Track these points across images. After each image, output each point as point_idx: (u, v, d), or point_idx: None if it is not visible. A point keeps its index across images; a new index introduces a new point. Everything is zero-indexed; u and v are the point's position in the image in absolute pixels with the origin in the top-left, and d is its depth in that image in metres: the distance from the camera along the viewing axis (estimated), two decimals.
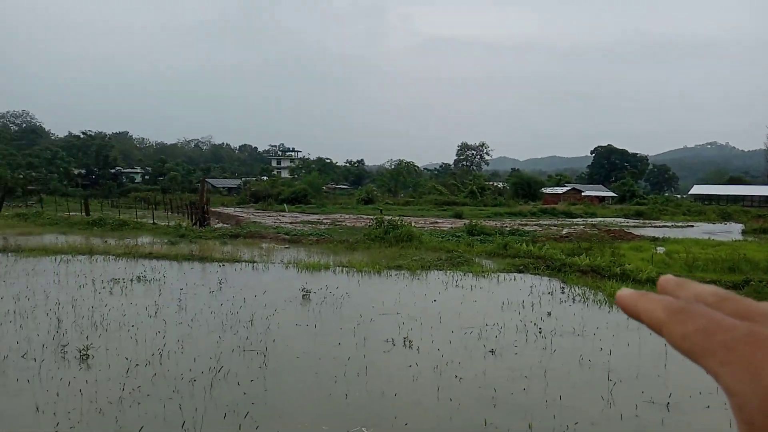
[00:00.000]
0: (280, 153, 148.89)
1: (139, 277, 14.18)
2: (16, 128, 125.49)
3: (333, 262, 17.56)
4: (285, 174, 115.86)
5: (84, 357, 7.86)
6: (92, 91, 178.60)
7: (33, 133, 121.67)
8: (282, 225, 30.79)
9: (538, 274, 16.53)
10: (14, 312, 10.24)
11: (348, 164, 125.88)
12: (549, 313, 11.37)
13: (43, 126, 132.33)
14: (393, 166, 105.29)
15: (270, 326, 9.86)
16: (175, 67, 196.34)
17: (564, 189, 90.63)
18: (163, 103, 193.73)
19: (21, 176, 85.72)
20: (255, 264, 17.26)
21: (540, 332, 9.93)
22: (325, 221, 35.24)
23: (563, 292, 13.82)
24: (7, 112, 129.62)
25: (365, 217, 38.82)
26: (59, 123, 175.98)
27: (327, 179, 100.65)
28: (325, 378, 7.44)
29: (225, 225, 32.61)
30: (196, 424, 5.88)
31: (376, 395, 6.92)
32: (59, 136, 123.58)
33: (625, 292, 0.44)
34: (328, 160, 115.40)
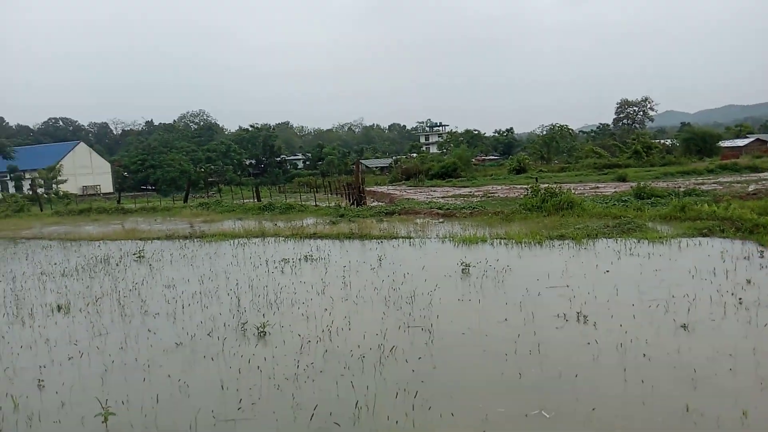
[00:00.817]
0: (427, 129, 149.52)
1: (306, 257, 14.86)
2: (196, 126, 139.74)
3: (489, 234, 17.00)
4: (434, 149, 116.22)
5: (261, 334, 8.29)
6: (257, 85, 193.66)
7: (210, 129, 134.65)
8: (434, 200, 30.72)
9: (727, 237, 14.55)
10: (200, 293, 11.18)
11: (497, 134, 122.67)
12: (749, 281, 9.85)
13: (218, 122, 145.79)
14: (545, 132, 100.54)
15: (432, 302, 9.69)
16: (327, 56, 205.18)
17: (746, 141, 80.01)
18: (318, 91, 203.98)
19: (202, 170, 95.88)
20: (411, 240, 17.30)
21: (740, 303, 8.61)
22: (476, 194, 34.55)
23: (762, 257, 11.96)
24: (187, 112, 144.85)
25: (518, 186, 37.43)
26: (231, 118, 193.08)
27: (476, 151, 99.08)
28: (495, 356, 7.06)
29: (380, 203, 33.38)
30: (369, 403, 5.84)
31: (553, 376, 6.39)
32: (231, 131, 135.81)
33: None
34: (476, 132, 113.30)
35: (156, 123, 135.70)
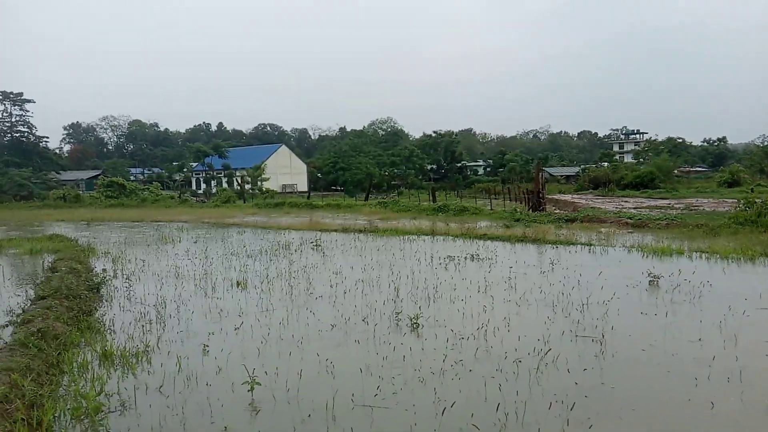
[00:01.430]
0: (622, 137, 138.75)
1: (472, 256, 14.30)
2: (383, 132, 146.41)
3: (688, 247, 14.80)
4: (628, 158, 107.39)
5: (414, 326, 7.94)
6: (444, 94, 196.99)
7: (395, 135, 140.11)
8: (625, 210, 27.99)
9: None
10: (362, 281, 11.22)
11: (706, 143, 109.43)
12: None
13: (404, 129, 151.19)
14: (766, 143, 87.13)
15: (608, 312, 8.51)
16: (514, 60, 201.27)
17: None
18: (502, 98, 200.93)
19: (386, 173, 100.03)
20: (592, 247, 15.78)
21: None
22: (676, 206, 30.77)
23: None
24: (376, 119, 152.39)
25: (728, 200, 32.58)
26: (416, 125, 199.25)
27: (679, 161, 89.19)
28: (682, 379, 5.85)
29: (561, 211, 31.43)
30: (518, 410, 5.12)
31: (757, 410, 5.06)
32: (415, 137, 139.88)
33: None
34: (680, 140, 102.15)
35: (348, 129, 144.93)
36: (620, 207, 30.34)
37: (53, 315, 7.65)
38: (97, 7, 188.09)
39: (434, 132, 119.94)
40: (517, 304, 9.21)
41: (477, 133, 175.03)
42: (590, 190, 55.85)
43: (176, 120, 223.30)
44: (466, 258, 14.09)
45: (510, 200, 47.03)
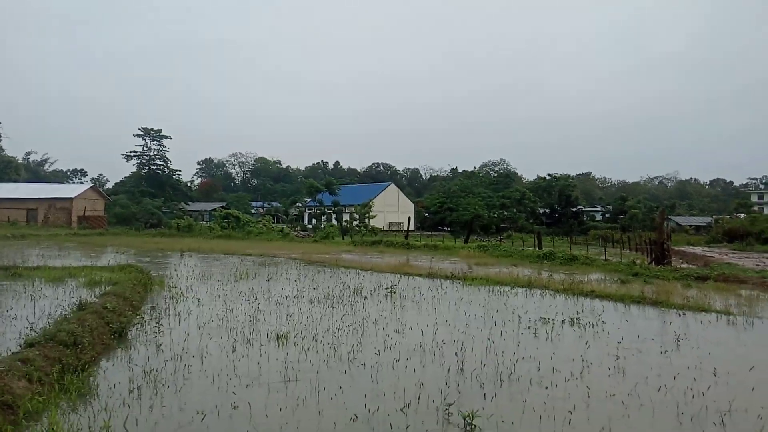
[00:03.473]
0: (761, 186, 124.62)
1: (572, 319, 11.62)
2: (495, 174, 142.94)
3: None
4: None
5: (469, 428, 5.68)
6: (559, 137, 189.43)
7: (507, 177, 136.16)
8: None
9: None
10: (422, 346, 9.05)
11: None
12: None
13: (517, 171, 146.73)
14: None
15: (765, 429, 5.73)
16: (638, 105, 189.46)
17: None
18: (625, 141, 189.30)
19: (495, 215, 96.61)
20: (730, 317, 12.44)
21: None
22: None
23: None
24: (489, 161, 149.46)
25: None
26: (530, 168, 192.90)
27: None
28: None
29: (690, 266, 27.09)
30: None
31: None
32: (529, 179, 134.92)
33: None
34: None
35: (460, 170, 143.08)
36: (761, 265, 25.53)
37: (24, 371, 6.30)
38: (231, 65, 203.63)
39: (549, 174, 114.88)
40: (623, 403, 6.60)
41: (596, 177, 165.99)
42: (724, 244, 49.25)
43: (297, 158, 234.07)
44: (563, 322, 11.45)
45: (630, 249, 42.37)
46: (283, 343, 9.21)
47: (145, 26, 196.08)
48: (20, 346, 7.50)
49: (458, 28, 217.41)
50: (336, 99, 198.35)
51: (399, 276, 19.45)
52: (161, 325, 9.96)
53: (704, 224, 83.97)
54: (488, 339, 9.67)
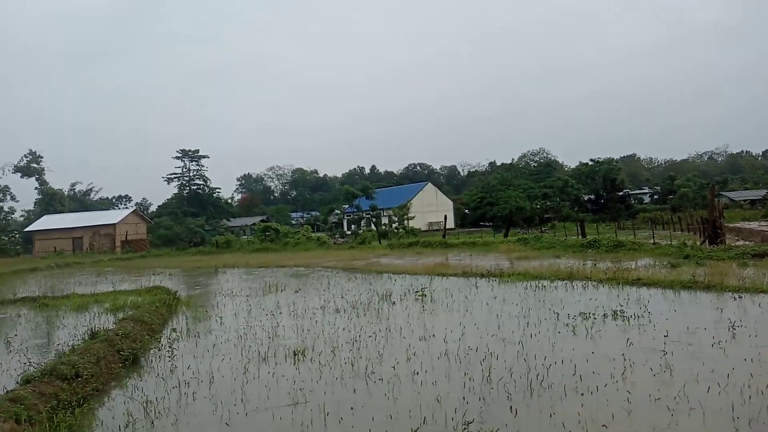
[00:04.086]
0: None
1: (615, 312, 10.69)
2: (535, 164, 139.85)
3: None
4: None
5: None
6: (601, 121, 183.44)
7: (548, 166, 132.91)
8: None
9: None
10: (447, 355, 8.34)
11: None
12: None
13: (558, 159, 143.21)
14: None
15: None
16: (681, 78, 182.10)
17: None
18: (669, 119, 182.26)
19: (538, 206, 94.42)
20: None
21: None
22: None
23: None
24: (528, 151, 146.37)
25: None
26: (572, 154, 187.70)
27: None
28: None
29: (746, 242, 25.35)
30: None
31: None
32: (570, 167, 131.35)
33: None
34: None
35: (498, 163, 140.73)
36: None
37: (14, 411, 5.94)
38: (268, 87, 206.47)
39: (591, 160, 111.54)
40: (669, 409, 5.76)
41: (642, 158, 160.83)
42: None
43: (334, 166, 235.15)
44: (605, 316, 10.53)
45: (682, 230, 40.38)
46: (300, 359, 8.68)
47: (171, 54, 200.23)
48: (17, 383, 7.19)
49: (492, 9, 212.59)
50: (365, 102, 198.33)
51: (432, 277, 18.73)
52: (175, 349, 9.56)
53: (759, 197, 79.71)
54: (521, 341, 8.89)
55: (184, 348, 9.95)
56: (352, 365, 8.13)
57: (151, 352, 9.81)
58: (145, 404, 6.79)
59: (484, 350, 8.45)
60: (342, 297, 15.22)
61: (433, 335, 9.78)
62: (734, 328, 8.88)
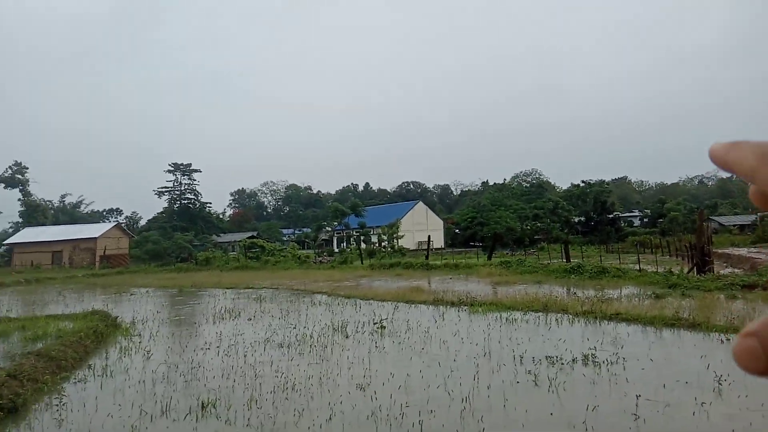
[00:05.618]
0: None
1: (585, 357, 9.37)
2: (527, 185, 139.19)
3: None
4: None
5: None
6: (594, 142, 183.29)
7: (540, 187, 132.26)
8: None
9: None
10: (378, 411, 6.96)
11: None
12: None
13: (550, 180, 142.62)
14: None
15: None
16: (673, 101, 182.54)
17: None
18: (660, 142, 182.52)
19: (528, 227, 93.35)
20: None
21: None
22: None
23: None
24: (521, 171, 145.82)
25: None
26: (564, 175, 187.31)
27: None
28: None
29: (735, 270, 24.18)
30: None
31: None
32: (562, 188, 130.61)
33: (716, 144, 0.44)
34: None
35: (491, 183, 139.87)
36: None
37: None
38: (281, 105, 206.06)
39: (582, 181, 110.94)
40: None
41: (633, 181, 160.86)
42: None
43: (328, 183, 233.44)
44: (575, 361, 9.21)
45: (669, 255, 39.30)
46: (206, 414, 7.28)
47: (169, 60, 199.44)
48: None
49: (490, 31, 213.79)
50: (360, 120, 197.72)
51: (398, 305, 17.35)
52: (64, 396, 8.13)
53: (749, 222, 79.03)
54: (468, 397, 7.52)
55: (84, 394, 8.52)
56: (261, 426, 6.74)
57: (45, 398, 8.37)
58: None
59: (423, 406, 7.09)
60: (294, 327, 13.83)
61: (372, 380, 8.41)
62: (720, 384, 7.57)
